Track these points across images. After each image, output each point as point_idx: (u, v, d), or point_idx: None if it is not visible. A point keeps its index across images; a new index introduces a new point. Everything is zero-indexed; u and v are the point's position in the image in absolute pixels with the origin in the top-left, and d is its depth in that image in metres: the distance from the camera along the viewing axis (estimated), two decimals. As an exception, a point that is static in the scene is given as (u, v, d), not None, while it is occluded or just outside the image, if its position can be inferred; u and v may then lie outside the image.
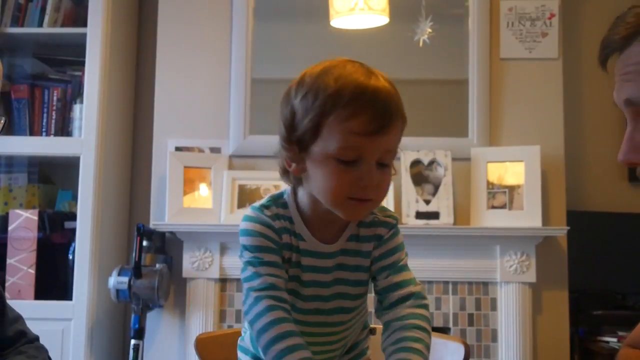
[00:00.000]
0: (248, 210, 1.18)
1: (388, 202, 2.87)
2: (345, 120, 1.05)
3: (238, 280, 2.95)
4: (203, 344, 1.50)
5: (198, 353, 1.48)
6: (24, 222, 2.94)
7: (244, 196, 3.01)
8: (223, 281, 2.98)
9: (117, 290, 2.80)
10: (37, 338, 1.38)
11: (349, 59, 1.13)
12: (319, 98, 1.07)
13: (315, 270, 1.18)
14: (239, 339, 1.31)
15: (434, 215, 2.96)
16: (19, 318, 1.36)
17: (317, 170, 1.09)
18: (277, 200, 1.18)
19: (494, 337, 2.95)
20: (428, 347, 1.12)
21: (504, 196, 2.99)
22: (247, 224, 1.15)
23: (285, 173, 1.17)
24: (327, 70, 1.10)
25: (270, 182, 2.99)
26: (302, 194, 1.17)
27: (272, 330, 1.08)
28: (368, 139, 1.06)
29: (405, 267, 1.20)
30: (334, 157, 1.07)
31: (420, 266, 2.68)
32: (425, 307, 1.17)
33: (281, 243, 1.15)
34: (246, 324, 1.23)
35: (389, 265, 1.19)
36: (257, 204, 1.18)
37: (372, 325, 1.36)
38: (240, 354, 1.28)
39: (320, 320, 1.20)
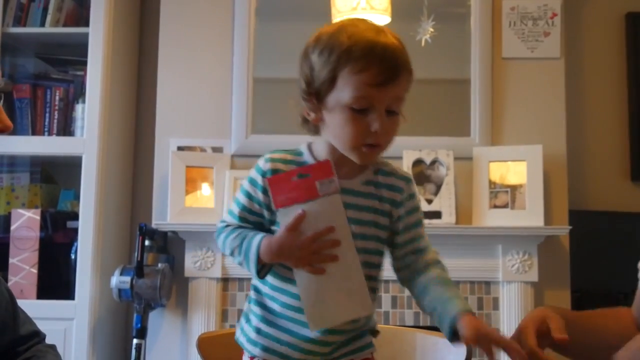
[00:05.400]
0: (259, 160, 1.26)
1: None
2: (357, 73, 1.16)
3: (240, 279, 2.95)
4: (205, 344, 1.50)
5: (200, 353, 1.49)
6: (26, 221, 2.94)
7: (246, 196, 3.01)
8: (225, 281, 2.98)
9: (120, 290, 2.80)
10: (45, 337, 1.39)
11: (360, 18, 1.26)
12: (334, 53, 1.18)
13: None
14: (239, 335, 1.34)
15: (436, 215, 2.96)
16: (27, 318, 1.37)
17: (334, 118, 1.20)
18: (289, 150, 1.28)
19: (496, 337, 2.94)
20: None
21: (506, 195, 2.99)
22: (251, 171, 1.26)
23: (305, 122, 1.27)
24: (341, 29, 1.21)
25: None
26: (319, 142, 1.27)
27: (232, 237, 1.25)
28: (378, 89, 1.16)
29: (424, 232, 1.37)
30: (348, 106, 1.17)
31: (422, 266, 2.67)
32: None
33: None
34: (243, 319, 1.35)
35: (415, 224, 1.33)
36: (267, 154, 1.26)
37: (379, 326, 1.36)
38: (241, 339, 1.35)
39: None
